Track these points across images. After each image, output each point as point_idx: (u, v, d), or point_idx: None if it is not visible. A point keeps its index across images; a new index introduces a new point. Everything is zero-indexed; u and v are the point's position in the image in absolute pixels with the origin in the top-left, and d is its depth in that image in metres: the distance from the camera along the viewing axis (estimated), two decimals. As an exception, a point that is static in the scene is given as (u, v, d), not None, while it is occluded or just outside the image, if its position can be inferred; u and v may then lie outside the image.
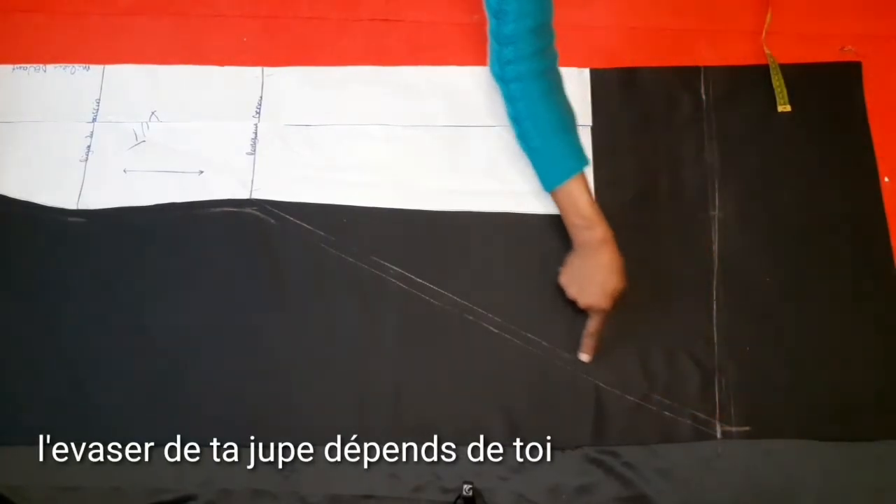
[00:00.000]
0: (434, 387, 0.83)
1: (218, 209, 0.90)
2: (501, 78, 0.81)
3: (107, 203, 0.90)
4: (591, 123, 0.93)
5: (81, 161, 0.92)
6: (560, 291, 0.83)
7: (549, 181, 0.82)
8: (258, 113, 0.94)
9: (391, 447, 0.80)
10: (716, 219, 0.89)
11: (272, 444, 0.80)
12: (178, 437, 0.81)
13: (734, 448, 0.80)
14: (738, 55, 0.96)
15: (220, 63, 0.96)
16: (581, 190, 0.80)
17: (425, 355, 0.84)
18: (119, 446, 0.80)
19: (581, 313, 0.83)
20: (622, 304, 0.82)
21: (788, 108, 0.93)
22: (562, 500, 0.79)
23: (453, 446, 0.80)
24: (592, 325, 0.82)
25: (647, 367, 0.83)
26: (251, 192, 0.90)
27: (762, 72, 0.95)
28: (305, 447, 0.80)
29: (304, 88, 0.95)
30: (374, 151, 0.92)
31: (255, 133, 0.93)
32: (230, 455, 0.80)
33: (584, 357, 0.83)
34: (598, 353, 0.83)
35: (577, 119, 0.83)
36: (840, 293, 0.86)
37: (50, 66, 0.96)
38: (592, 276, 0.80)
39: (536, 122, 0.81)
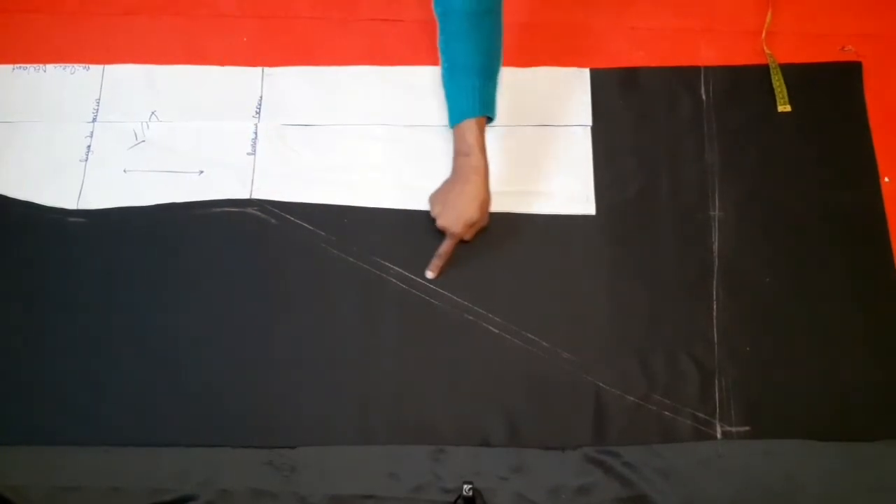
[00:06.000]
0: (434, 387, 0.83)
1: (218, 209, 0.90)
2: (436, 13, 0.83)
3: (107, 203, 0.90)
4: (591, 123, 0.93)
5: (81, 161, 0.92)
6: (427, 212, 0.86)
7: (451, 118, 0.84)
8: (258, 113, 0.94)
9: (391, 447, 0.80)
10: (716, 218, 0.89)
11: (272, 445, 0.80)
12: (179, 437, 0.81)
13: (734, 448, 0.80)
14: (739, 55, 0.96)
15: (221, 63, 0.96)
16: (473, 127, 0.82)
17: (425, 355, 0.84)
18: (119, 446, 0.80)
19: (442, 235, 0.85)
20: (615, 300, 0.83)
21: (788, 107, 0.93)
22: (562, 500, 0.79)
23: (453, 446, 0.80)
24: (444, 246, 0.85)
25: (647, 367, 0.83)
26: (251, 191, 0.90)
27: (762, 72, 0.95)
28: (306, 447, 0.80)
29: (305, 88, 0.95)
30: (375, 151, 0.92)
31: (256, 133, 0.93)
32: (230, 455, 0.80)
33: (429, 274, 0.86)
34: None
35: (499, 65, 0.84)
36: (840, 293, 0.86)
37: (50, 66, 0.96)
38: (455, 201, 0.84)
39: (449, 59, 0.83)
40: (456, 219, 0.83)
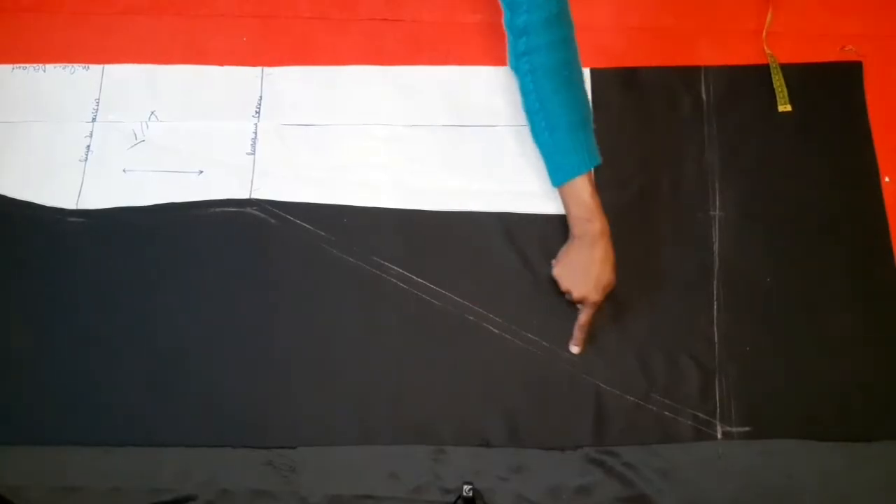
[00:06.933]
0: (434, 387, 0.83)
1: (218, 209, 0.90)
2: (516, 70, 0.80)
3: (106, 203, 0.90)
4: (591, 123, 0.93)
5: (81, 161, 0.92)
6: (552, 283, 0.84)
7: (556, 177, 0.82)
8: (258, 113, 0.94)
9: (391, 447, 0.80)
10: (716, 218, 0.89)
11: (272, 445, 0.80)
12: (179, 437, 0.81)
13: (734, 448, 0.80)
14: (739, 55, 0.96)
15: (220, 63, 0.96)
16: (585, 184, 0.80)
17: (425, 355, 0.84)
18: (119, 446, 0.80)
19: (572, 306, 0.83)
20: (615, 300, 0.82)
21: (789, 107, 0.93)
22: (562, 500, 0.79)
23: (453, 447, 0.80)
24: (583, 317, 0.82)
25: (648, 367, 0.83)
26: (251, 191, 0.90)
27: (763, 71, 0.95)
28: (306, 447, 0.80)
29: (304, 88, 0.95)
30: (375, 151, 0.92)
31: (255, 133, 0.93)
32: (230, 455, 0.80)
33: (575, 349, 0.83)
34: (587, 346, 0.83)
35: (592, 114, 0.82)
36: (840, 293, 0.86)
37: (49, 66, 0.96)
38: (587, 268, 0.80)
39: (548, 118, 0.80)
40: (594, 287, 0.80)
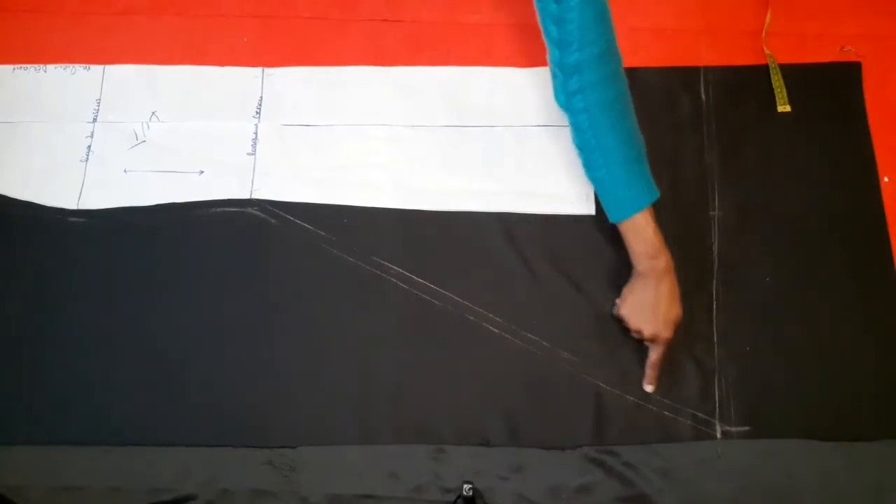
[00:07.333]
0: (434, 387, 0.83)
1: (218, 209, 0.90)
2: (568, 108, 0.79)
3: (107, 203, 0.90)
4: (591, 123, 0.93)
5: (82, 161, 0.92)
6: (616, 322, 0.83)
7: (616, 214, 0.80)
8: (258, 113, 0.94)
9: (391, 447, 0.80)
10: (716, 219, 0.89)
11: (272, 444, 0.80)
12: (179, 437, 0.81)
13: (734, 448, 0.80)
14: (738, 55, 0.96)
15: (221, 63, 0.96)
16: (648, 220, 0.79)
17: (425, 355, 0.84)
18: (119, 446, 0.80)
19: (639, 343, 0.82)
20: (614, 300, 0.82)
21: (788, 108, 0.93)
22: (562, 499, 0.79)
23: (453, 446, 0.80)
24: (655, 355, 0.81)
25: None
26: (251, 192, 0.91)
27: (762, 72, 0.95)
28: (306, 447, 0.80)
29: (305, 88, 0.95)
30: (375, 151, 0.92)
31: (256, 133, 0.93)
32: (230, 455, 0.80)
33: (649, 388, 0.82)
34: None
35: (645, 146, 0.81)
36: (840, 293, 0.86)
37: (50, 67, 0.96)
38: (655, 307, 0.79)
39: (605, 154, 0.79)
40: (664, 324, 0.79)
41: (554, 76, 0.80)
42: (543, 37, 0.79)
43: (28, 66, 0.96)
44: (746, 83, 0.95)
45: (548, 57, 0.80)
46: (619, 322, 0.83)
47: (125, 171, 0.92)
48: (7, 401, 0.83)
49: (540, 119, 0.93)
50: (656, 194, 0.80)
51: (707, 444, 0.80)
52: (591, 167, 0.81)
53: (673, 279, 0.80)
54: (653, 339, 0.80)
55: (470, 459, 0.80)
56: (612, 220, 0.81)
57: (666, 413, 0.82)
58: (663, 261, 0.79)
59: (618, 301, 0.83)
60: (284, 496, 0.79)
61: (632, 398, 0.82)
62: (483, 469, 0.80)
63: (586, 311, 0.85)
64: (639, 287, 0.81)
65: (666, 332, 0.79)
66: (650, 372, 0.82)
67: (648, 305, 0.80)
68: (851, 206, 0.89)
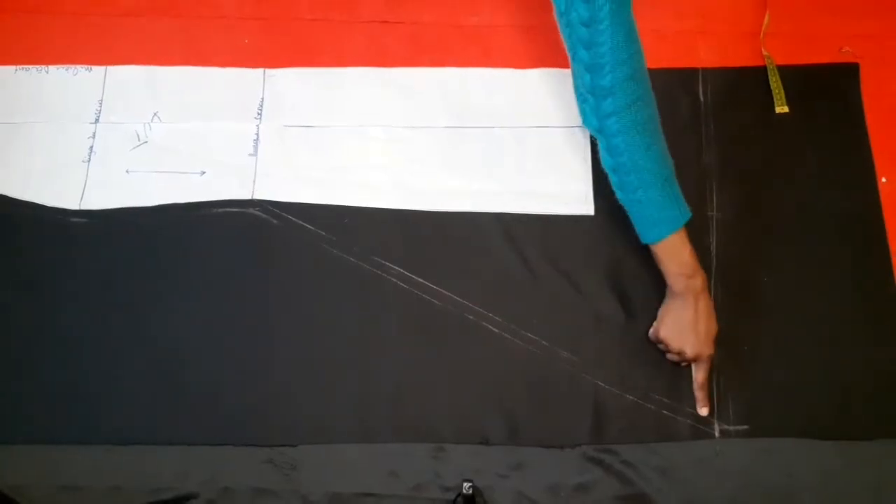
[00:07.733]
0: (434, 386, 0.83)
1: (220, 210, 0.90)
2: (601, 131, 0.77)
3: (109, 203, 0.90)
4: (590, 124, 0.93)
5: (84, 162, 0.93)
6: (653, 344, 0.83)
7: (651, 235, 0.79)
8: (260, 114, 0.95)
9: (391, 446, 0.80)
10: (714, 219, 0.89)
11: (273, 443, 0.81)
12: (179, 436, 0.81)
13: (733, 447, 0.81)
14: (737, 56, 0.97)
15: (222, 64, 0.97)
16: (684, 240, 0.78)
17: (425, 355, 0.84)
18: (120, 445, 0.81)
19: (677, 364, 0.82)
20: (615, 300, 0.83)
21: (786, 109, 0.94)
22: (561, 498, 0.79)
23: (453, 445, 0.80)
24: (701, 375, 0.80)
25: (647, 367, 0.84)
26: (253, 192, 0.91)
27: (760, 73, 0.96)
28: (306, 445, 0.81)
29: (306, 89, 0.96)
30: (375, 152, 0.93)
31: (257, 134, 0.94)
32: (231, 453, 0.80)
33: (703, 411, 0.81)
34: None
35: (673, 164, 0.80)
36: (837, 292, 0.86)
37: (52, 67, 0.97)
38: (695, 326, 0.78)
39: (640, 175, 0.77)
40: (705, 341, 0.78)
41: (584, 100, 0.78)
42: (571, 62, 0.77)
43: (30, 66, 0.97)
44: (745, 84, 0.95)
45: (574, 81, 0.78)
46: (657, 344, 0.82)
47: (127, 171, 0.92)
48: (8, 400, 0.83)
49: (539, 120, 0.94)
50: (688, 214, 0.79)
51: (706, 443, 0.81)
52: (626, 189, 0.79)
53: (707, 295, 0.79)
54: (695, 358, 0.80)
55: (469, 458, 0.80)
56: (645, 241, 0.80)
57: (665, 412, 0.82)
58: (700, 279, 0.78)
59: (655, 324, 0.83)
60: (285, 495, 0.79)
61: (631, 397, 0.82)
62: (483, 467, 0.80)
63: (586, 311, 0.86)
64: (676, 307, 0.80)
65: (708, 350, 0.79)
66: (700, 394, 0.81)
67: (688, 325, 0.79)
68: (849, 206, 0.90)
